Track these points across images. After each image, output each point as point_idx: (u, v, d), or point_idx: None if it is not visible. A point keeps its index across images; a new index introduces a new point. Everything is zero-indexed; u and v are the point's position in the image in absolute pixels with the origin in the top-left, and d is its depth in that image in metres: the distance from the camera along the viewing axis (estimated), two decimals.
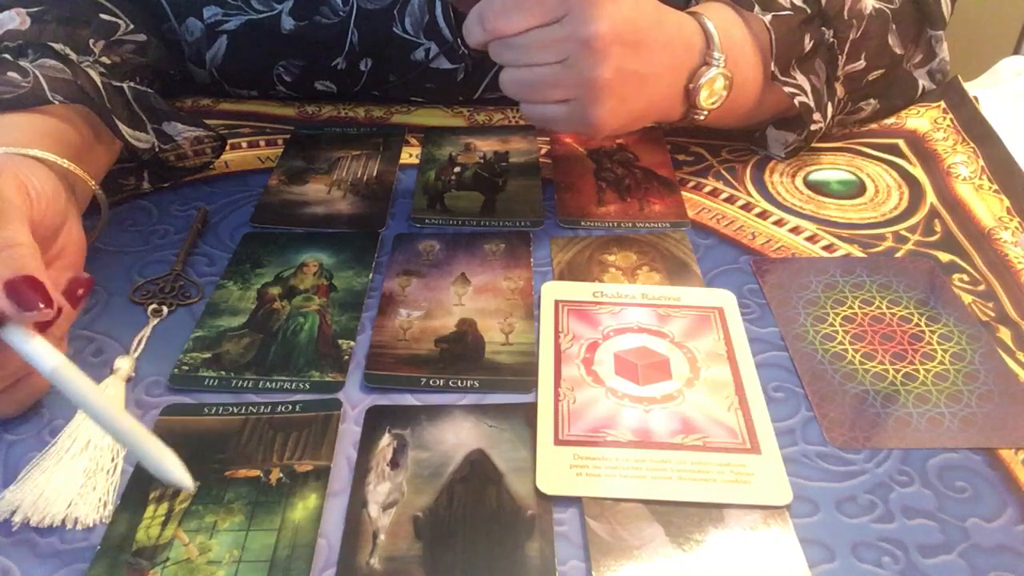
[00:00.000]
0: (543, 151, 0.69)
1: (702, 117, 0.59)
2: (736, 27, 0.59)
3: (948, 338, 0.51)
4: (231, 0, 0.67)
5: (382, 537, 0.41)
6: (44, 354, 0.41)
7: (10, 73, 0.53)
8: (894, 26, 0.65)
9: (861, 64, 0.64)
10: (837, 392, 0.48)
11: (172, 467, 0.39)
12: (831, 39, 0.61)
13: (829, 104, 0.63)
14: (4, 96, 0.52)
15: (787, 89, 0.60)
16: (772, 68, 0.59)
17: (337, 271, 0.57)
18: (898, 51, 0.66)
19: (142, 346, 0.51)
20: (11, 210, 0.44)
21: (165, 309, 0.54)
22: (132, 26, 0.65)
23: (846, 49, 0.62)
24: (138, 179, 0.65)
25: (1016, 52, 1.23)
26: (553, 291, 0.54)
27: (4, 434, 0.46)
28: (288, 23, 0.68)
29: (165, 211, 0.63)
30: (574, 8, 0.51)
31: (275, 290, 0.55)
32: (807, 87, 0.61)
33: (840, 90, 0.64)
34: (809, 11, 0.60)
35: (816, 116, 0.62)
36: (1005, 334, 0.51)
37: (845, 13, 0.61)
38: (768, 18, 0.59)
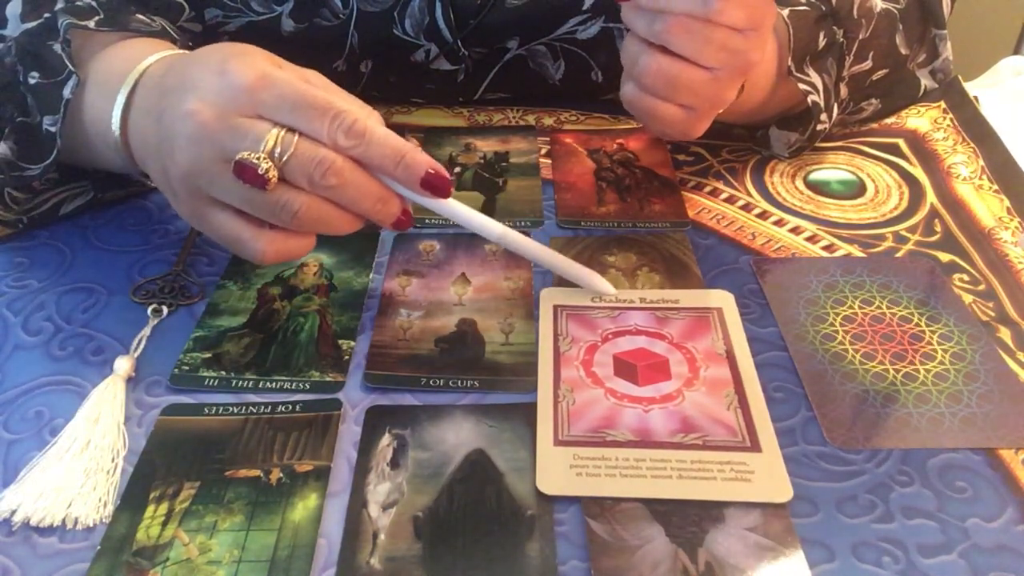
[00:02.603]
0: (543, 151, 0.69)
1: None
2: None
3: (948, 338, 0.51)
4: (231, 2, 0.67)
5: (382, 537, 0.41)
6: (489, 222, 0.50)
7: (139, 16, 0.57)
8: (901, 26, 0.65)
9: (868, 64, 0.64)
10: (837, 392, 0.48)
11: (603, 285, 0.53)
12: (841, 39, 0.61)
13: (835, 105, 0.63)
14: (145, 29, 0.56)
15: (801, 86, 0.60)
16: (788, 63, 0.59)
17: (337, 271, 0.57)
18: (903, 51, 0.66)
19: (142, 346, 0.51)
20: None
21: (165, 309, 0.54)
22: (194, 13, 0.66)
23: (854, 49, 0.62)
24: (145, 175, 0.65)
25: (1016, 52, 1.23)
26: (551, 296, 0.54)
27: (4, 434, 0.46)
28: (288, 25, 0.68)
29: (165, 211, 0.62)
30: (758, 28, 0.51)
31: (275, 290, 0.55)
32: (819, 85, 0.61)
33: (844, 91, 0.64)
34: (823, 8, 0.60)
35: (823, 117, 0.62)
36: (1005, 334, 0.51)
37: (855, 12, 0.61)
38: (786, 12, 0.59)
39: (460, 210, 0.50)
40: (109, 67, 0.52)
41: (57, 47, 0.52)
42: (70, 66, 0.52)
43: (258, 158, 0.44)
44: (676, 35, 0.51)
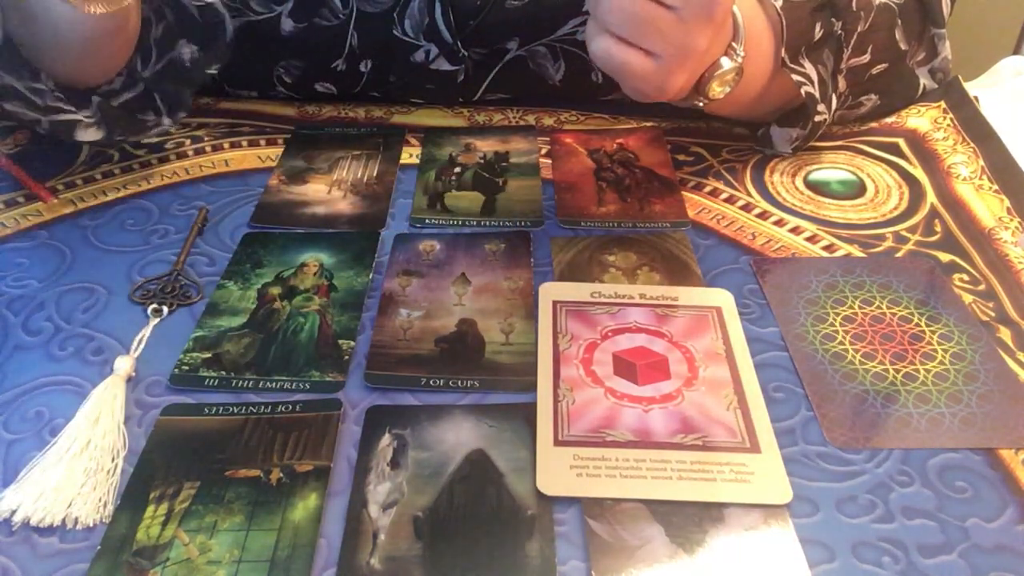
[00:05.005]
0: (543, 151, 0.69)
1: (702, 104, 0.57)
2: (758, 18, 0.59)
3: (948, 338, 0.51)
4: (231, 3, 0.67)
5: (382, 537, 0.41)
6: None
7: None
8: (900, 21, 0.65)
9: (866, 57, 0.64)
10: (837, 392, 0.48)
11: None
12: (839, 31, 0.61)
13: (833, 96, 0.63)
14: None
15: (795, 77, 0.60)
16: (782, 54, 0.59)
17: (337, 271, 0.57)
18: (903, 46, 0.66)
19: (142, 346, 0.51)
20: None
21: (165, 309, 0.54)
22: None
23: (852, 41, 0.62)
24: (156, 113, 0.65)
25: (1016, 52, 1.23)
26: (551, 292, 0.54)
27: (4, 434, 0.46)
28: (288, 25, 0.68)
29: (165, 211, 0.63)
30: None
31: (275, 290, 0.55)
32: (814, 77, 0.61)
33: (842, 83, 0.64)
34: None
35: (820, 107, 0.62)
36: (1005, 334, 0.51)
37: (853, 4, 0.61)
38: (779, 2, 0.59)
39: None
40: None
41: None
42: None
43: None
44: None
